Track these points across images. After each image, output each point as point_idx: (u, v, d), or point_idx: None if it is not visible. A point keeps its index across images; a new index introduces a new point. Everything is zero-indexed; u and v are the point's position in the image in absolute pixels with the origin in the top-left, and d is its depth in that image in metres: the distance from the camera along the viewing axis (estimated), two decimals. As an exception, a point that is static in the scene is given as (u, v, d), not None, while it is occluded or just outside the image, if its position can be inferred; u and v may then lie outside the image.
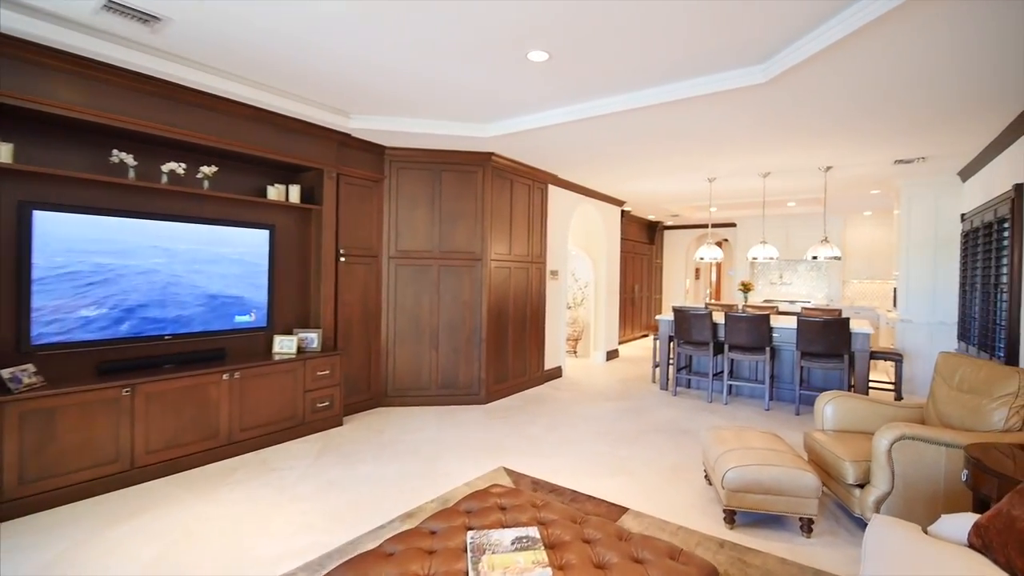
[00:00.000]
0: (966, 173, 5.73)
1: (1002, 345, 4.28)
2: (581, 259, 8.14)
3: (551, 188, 6.50)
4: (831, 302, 9.69)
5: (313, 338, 4.35)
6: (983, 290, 4.86)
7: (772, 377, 5.39)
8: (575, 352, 8.34)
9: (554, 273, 6.60)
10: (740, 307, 6.96)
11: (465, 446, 4.02)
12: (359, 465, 3.59)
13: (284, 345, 4.19)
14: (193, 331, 3.68)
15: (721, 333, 5.63)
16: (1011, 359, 4.08)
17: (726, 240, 12.74)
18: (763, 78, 3.11)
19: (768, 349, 5.29)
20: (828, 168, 5.59)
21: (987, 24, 2.48)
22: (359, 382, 4.89)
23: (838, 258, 5.47)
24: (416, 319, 5.14)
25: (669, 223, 11.59)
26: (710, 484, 3.34)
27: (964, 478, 2.17)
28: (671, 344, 6.24)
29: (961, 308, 5.75)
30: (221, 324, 3.83)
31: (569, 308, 8.35)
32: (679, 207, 9.27)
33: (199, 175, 3.71)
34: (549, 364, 6.53)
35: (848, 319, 4.86)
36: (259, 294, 4.06)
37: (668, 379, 6.12)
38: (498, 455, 3.83)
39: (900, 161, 5.26)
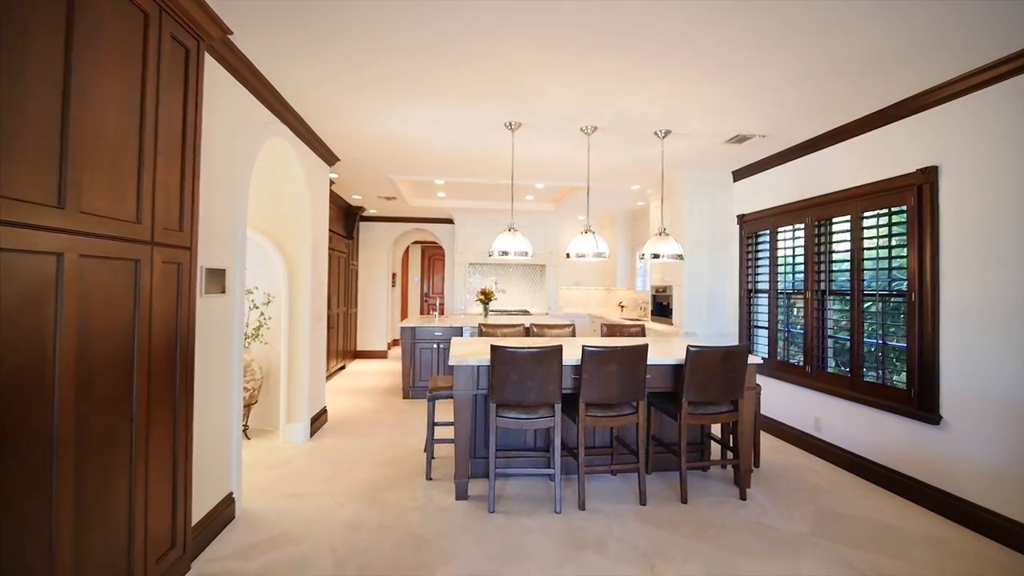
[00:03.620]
0: (742, 174, 5.26)
1: (895, 368, 3.46)
2: (265, 253, 4.29)
3: (215, 69, 2.64)
4: (550, 311, 8.91)
5: None
6: (816, 299, 4.17)
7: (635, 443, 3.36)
8: (246, 429, 4.37)
9: (218, 276, 2.75)
10: (529, 326, 4.80)
11: None
12: None
13: None
14: None
15: (567, 381, 3.24)
16: (926, 389, 3.21)
17: (415, 242, 10.75)
18: None
19: (640, 403, 3.22)
20: (667, 134, 4.04)
21: None
22: None
23: (680, 256, 4.00)
24: None
25: (371, 212, 8.62)
26: None
27: None
28: (486, 409, 3.46)
29: (743, 317, 5.24)
30: None
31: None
32: (410, 182, 6.51)
33: None
34: (205, 499, 2.64)
35: (747, 346, 3.28)
36: None
37: (470, 476, 3.28)
38: None
39: (736, 138, 4.16)
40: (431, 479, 3.53)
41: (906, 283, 3.36)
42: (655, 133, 4.04)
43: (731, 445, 3.71)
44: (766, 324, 4.90)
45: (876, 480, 3.54)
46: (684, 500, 3.23)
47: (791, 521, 3.00)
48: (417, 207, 7.98)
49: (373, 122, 3.92)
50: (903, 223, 3.47)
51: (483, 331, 4.66)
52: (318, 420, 4.68)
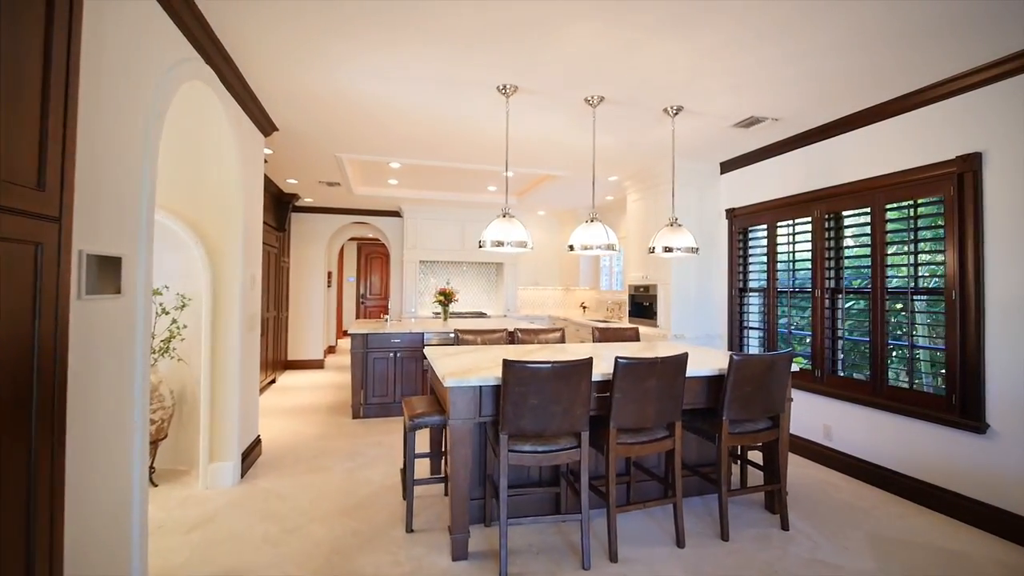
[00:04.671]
0: (732, 165, 4.93)
1: (939, 378, 3.17)
2: (179, 242, 3.27)
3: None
4: (508, 312, 8.28)
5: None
6: (825, 298, 3.87)
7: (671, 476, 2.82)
8: (153, 473, 3.33)
9: (110, 267, 1.83)
10: (513, 331, 4.14)
11: None
12: None
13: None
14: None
15: (594, 402, 2.61)
16: (969, 394, 2.94)
17: (351, 239, 9.71)
18: None
19: (676, 425, 2.68)
20: (678, 111, 3.54)
21: None
22: None
23: (695, 250, 3.52)
24: None
25: (306, 201, 7.52)
26: None
27: None
28: (484, 440, 2.75)
29: (733, 317, 4.90)
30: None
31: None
32: (360, 164, 5.60)
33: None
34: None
35: (791, 352, 2.83)
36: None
37: (470, 527, 2.55)
38: None
39: (747, 121, 3.75)
40: (412, 530, 2.76)
41: (943, 280, 3.08)
42: (665, 110, 3.53)
43: (750, 463, 3.27)
44: (759, 325, 4.59)
45: (908, 495, 3.25)
46: (725, 537, 2.72)
47: (849, 554, 2.58)
48: (361, 196, 7.02)
49: (330, 74, 3.08)
50: (932, 215, 3.21)
51: (460, 339, 3.93)
52: (251, 454, 3.71)
